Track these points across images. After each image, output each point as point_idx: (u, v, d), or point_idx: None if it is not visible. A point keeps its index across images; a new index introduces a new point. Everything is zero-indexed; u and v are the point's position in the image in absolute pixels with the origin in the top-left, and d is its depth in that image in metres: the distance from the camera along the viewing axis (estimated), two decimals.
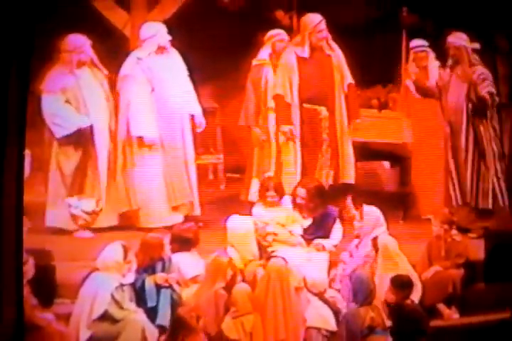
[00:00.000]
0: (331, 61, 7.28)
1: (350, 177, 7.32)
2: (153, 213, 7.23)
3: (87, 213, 7.16)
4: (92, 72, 7.22)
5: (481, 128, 7.27)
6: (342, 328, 6.45)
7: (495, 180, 7.24)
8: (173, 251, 6.70)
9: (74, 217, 7.17)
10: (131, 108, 7.21)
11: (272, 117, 7.34)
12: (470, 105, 7.23)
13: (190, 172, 7.29)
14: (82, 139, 7.16)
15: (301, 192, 6.92)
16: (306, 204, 6.88)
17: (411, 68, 7.38)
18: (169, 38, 7.15)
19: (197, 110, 7.25)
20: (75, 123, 7.12)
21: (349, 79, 7.31)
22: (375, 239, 6.70)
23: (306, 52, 7.26)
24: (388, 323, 6.45)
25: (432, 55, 7.32)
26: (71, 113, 7.11)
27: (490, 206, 7.22)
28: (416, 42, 7.32)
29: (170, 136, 7.25)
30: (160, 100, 7.21)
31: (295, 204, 6.94)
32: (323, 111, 7.29)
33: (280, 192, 6.98)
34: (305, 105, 7.27)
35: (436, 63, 7.35)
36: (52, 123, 7.11)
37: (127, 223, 7.22)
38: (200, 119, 7.26)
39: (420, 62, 7.35)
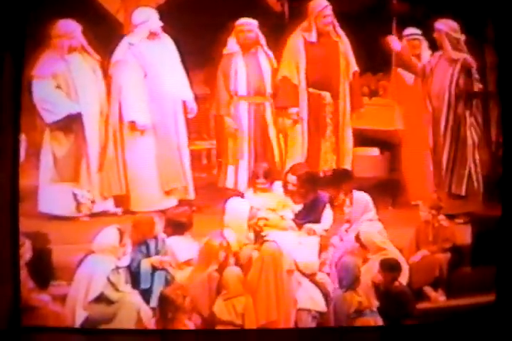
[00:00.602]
0: (337, 47, 7.33)
1: (349, 163, 7.41)
2: (146, 197, 7.29)
3: (91, 201, 7.25)
4: (83, 58, 7.25)
5: (462, 116, 7.31)
6: (330, 313, 6.58)
7: (472, 167, 7.29)
8: (168, 234, 6.79)
9: (79, 205, 7.22)
10: (123, 93, 7.25)
11: (244, 106, 7.38)
12: (452, 92, 7.29)
13: (183, 157, 7.35)
14: (73, 125, 7.20)
15: (292, 179, 7.00)
16: (298, 190, 6.97)
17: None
18: (161, 24, 7.16)
19: (188, 96, 7.30)
20: (64, 109, 7.16)
21: (354, 67, 7.37)
22: (357, 236, 6.81)
23: (313, 37, 7.29)
24: (376, 304, 6.59)
25: (424, 43, 7.37)
26: (61, 99, 7.15)
27: (463, 193, 7.28)
28: (409, 30, 7.36)
29: (162, 121, 7.31)
30: (152, 85, 7.25)
31: (286, 190, 7.03)
32: (328, 96, 7.35)
33: (270, 178, 7.06)
34: (310, 90, 7.33)
35: (429, 52, 7.40)
36: (42, 108, 7.12)
37: (120, 207, 7.28)
38: (192, 105, 7.30)
39: (413, 50, 7.39)
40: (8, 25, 6.53)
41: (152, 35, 7.24)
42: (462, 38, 7.21)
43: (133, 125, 7.28)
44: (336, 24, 7.29)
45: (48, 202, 7.16)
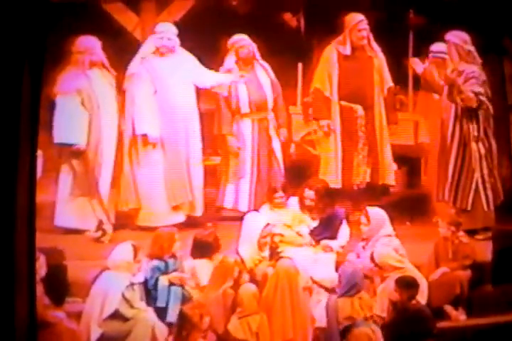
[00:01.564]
0: (372, 62, 7.29)
1: (390, 179, 7.33)
2: (155, 212, 7.28)
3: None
4: (101, 73, 7.28)
5: (468, 128, 7.20)
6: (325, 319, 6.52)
7: (479, 181, 7.16)
8: (194, 257, 6.74)
9: (103, 234, 7.22)
10: (136, 106, 7.27)
11: (247, 124, 7.37)
12: (458, 104, 7.19)
13: (192, 173, 7.32)
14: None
15: (310, 194, 6.94)
16: (315, 205, 6.92)
17: (431, 70, 7.32)
18: (173, 39, 7.16)
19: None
20: (73, 137, 7.16)
21: (389, 82, 7.33)
22: (372, 256, 6.71)
23: (347, 50, 7.26)
24: (380, 314, 6.50)
25: (450, 61, 7.25)
26: (79, 125, 7.15)
27: (469, 207, 7.16)
28: (437, 46, 7.29)
29: (171, 135, 7.28)
30: (162, 101, 7.24)
31: (303, 206, 6.96)
32: (360, 109, 7.30)
33: (287, 193, 7.01)
34: (342, 102, 7.30)
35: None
36: (58, 125, 7.14)
37: (128, 222, 7.28)
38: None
39: (439, 67, 7.29)
40: (27, 41, 6.57)
41: (165, 49, 7.25)
42: (473, 49, 7.12)
43: (145, 138, 7.28)
44: (371, 38, 7.26)
45: (65, 217, 7.17)
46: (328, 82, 7.27)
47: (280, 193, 6.98)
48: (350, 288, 6.50)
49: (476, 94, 7.10)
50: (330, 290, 6.62)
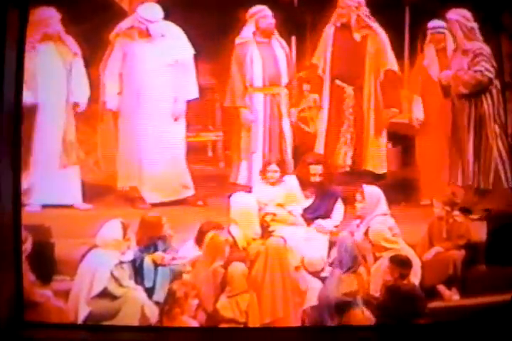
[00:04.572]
0: (365, 43, 7.17)
1: (377, 166, 7.21)
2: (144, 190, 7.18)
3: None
4: (55, 47, 7.05)
5: (482, 107, 7.13)
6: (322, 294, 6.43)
7: (498, 160, 7.12)
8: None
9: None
10: (106, 74, 7.15)
11: (259, 97, 7.24)
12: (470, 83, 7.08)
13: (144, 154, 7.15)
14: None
15: (317, 169, 6.82)
16: (321, 181, 6.78)
17: (429, 50, 7.23)
18: (145, 23, 7.00)
19: (180, 96, 7.13)
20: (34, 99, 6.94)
21: (389, 65, 7.18)
22: (366, 232, 6.65)
23: (343, 30, 7.13)
24: (374, 294, 6.43)
25: (449, 36, 7.18)
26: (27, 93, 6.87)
27: (490, 186, 7.10)
28: (434, 23, 7.17)
29: (132, 112, 7.13)
30: (129, 79, 7.11)
31: (308, 183, 6.80)
32: (349, 89, 7.21)
33: (282, 169, 6.89)
34: (336, 81, 7.20)
35: (454, 46, 7.21)
36: None
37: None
38: (180, 106, 7.11)
39: (438, 43, 7.21)
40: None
41: (140, 31, 7.10)
42: (475, 26, 7.01)
43: (104, 106, 7.14)
44: (369, 18, 7.14)
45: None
46: (322, 58, 7.18)
47: (274, 166, 6.85)
48: (353, 262, 6.42)
49: (486, 70, 7.01)
50: (313, 273, 6.54)
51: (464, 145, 7.17)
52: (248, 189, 6.99)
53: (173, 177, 7.20)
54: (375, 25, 7.17)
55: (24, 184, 6.74)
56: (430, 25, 7.20)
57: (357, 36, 7.20)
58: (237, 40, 7.17)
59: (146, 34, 7.15)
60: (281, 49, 7.23)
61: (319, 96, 7.25)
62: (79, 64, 7.09)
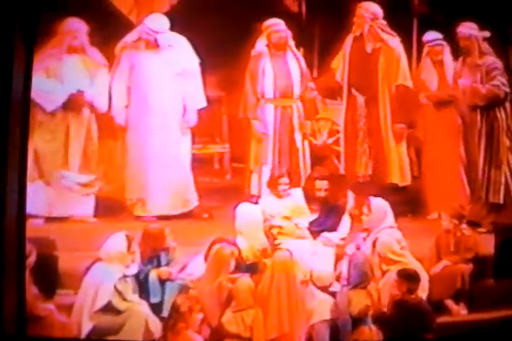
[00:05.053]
0: (378, 56, 7.16)
1: (398, 178, 7.19)
2: (149, 202, 7.19)
3: (81, 185, 7.11)
4: (81, 59, 7.11)
5: (495, 121, 7.10)
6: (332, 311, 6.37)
7: (508, 174, 7.08)
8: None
9: (69, 189, 7.09)
10: (112, 89, 7.17)
11: (270, 109, 7.23)
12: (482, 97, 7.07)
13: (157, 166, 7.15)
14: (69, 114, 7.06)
15: (323, 184, 6.78)
16: (325, 196, 6.75)
17: (425, 63, 7.23)
18: (152, 35, 7.00)
19: (190, 106, 7.14)
20: (62, 93, 7.00)
21: (401, 80, 7.17)
22: (374, 243, 6.59)
23: (361, 41, 7.14)
24: (382, 309, 6.36)
25: (447, 48, 7.17)
26: (55, 85, 6.99)
27: (501, 201, 7.08)
28: (430, 35, 7.16)
29: (141, 125, 7.17)
30: (137, 90, 7.14)
31: (314, 197, 6.77)
32: (360, 99, 7.19)
33: (292, 182, 6.86)
34: (353, 90, 7.20)
35: (451, 57, 7.20)
36: (40, 99, 6.96)
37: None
38: (190, 116, 7.13)
39: (435, 56, 7.20)
40: (20, 21, 6.39)
41: (147, 43, 7.11)
42: (486, 36, 6.99)
43: (113, 120, 7.17)
44: (382, 31, 7.13)
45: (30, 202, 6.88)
46: (342, 65, 7.20)
47: (286, 179, 6.81)
48: (362, 278, 6.36)
49: (502, 84, 7.00)
50: (322, 288, 6.48)
51: (474, 158, 7.14)
52: (254, 200, 6.96)
53: (179, 190, 7.18)
54: (390, 38, 7.16)
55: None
56: (426, 38, 7.19)
57: (369, 48, 7.20)
58: (253, 53, 7.20)
59: (154, 45, 7.16)
60: (295, 60, 7.24)
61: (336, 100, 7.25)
62: (104, 74, 7.12)
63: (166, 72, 7.15)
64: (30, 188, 6.83)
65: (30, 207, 6.77)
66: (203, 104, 7.18)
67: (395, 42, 7.17)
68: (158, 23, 7.11)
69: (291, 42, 7.21)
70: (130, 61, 7.15)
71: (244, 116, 7.24)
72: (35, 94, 6.82)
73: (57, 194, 7.14)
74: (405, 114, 7.28)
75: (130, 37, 7.16)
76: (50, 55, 7.05)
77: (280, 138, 7.23)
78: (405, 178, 7.27)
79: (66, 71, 7.09)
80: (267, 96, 7.23)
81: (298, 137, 7.25)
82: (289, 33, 7.18)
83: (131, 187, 7.18)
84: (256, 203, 6.86)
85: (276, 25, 7.15)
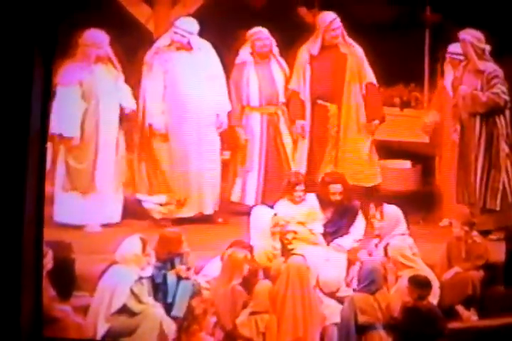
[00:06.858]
0: (345, 60, 7.18)
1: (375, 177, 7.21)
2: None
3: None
4: (107, 68, 7.20)
5: (494, 127, 7.11)
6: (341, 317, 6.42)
7: (506, 180, 7.09)
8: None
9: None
10: (145, 97, 7.21)
11: (256, 117, 7.29)
12: (482, 104, 7.08)
13: (196, 169, 7.21)
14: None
15: (337, 188, 6.82)
16: (342, 199, 6.80)
17: (448, 71, 7.26)
18: (187, 36, 7.08)
19: (220, 110, 7.22)
20: (68, 130, 7.04)
21: (369, 78, 7.19)
22: (385, 248, 6.64)
23: (316, 50, 7.16)
24: (393, 315, 6.40)
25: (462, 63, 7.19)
26: (76, 117, 7.05)
27: (497, 207, 7.08)
28: (454, 47, 7.19)
29: (179, 129, 7.20)
30: (172, 94, 7.17)
31: (329, 202, 6.81)
32: (333, 108, 7.21)
33: (308, 188, 6.89)
34: (319, 101, 7.21)
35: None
36: (55, 116, 6.98)
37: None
38: (222, 119, 7.22)
39: (454, 67, 7.22)
40: (38, 32, 6.51)
41: (180, 46, 7.18)
42: (487, 48, 7.03)
43: (151, 128, 7.22)
44: (345, 34, 7.15)
45: (62, 212, 7.08)
46: (302, 82, 7.19)
47: (302, 186, 6.83)
48: (369, 283, 6.41)
49: (502, 93, 7.02)
50: (328, 294, 6.54)
51: (471, 164, 7.13)
52: (243, 207, 7.04)
53: (208, 192, 7.25)
54: (353, 43, 7.18)
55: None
56: (451, 50, 7.22)
57: (335, 55, 7.20)
58: (237, 61, 7.23)
59: (187, 47, 7.21)
60: (279, 69, 7.27)
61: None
62: (123, 84, 7.21)
63: (198, 75, 7.20)
64: (64, 197, 7.05)
65: (65, 216, 7.00)
66: (230, 107, 7.27)
67: (354, 45, 7.20)
68: (190, 24, 7.17)
69: (276, 50, 7.24)
70: (163, 66, 7.21)
71: (228, 123, 7.26)
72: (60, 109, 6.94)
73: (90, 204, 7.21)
74: (377, 111, 7.27)
75: (161, 42, 7.23)
76: (79, 66, 7.12)
77: (267, 145, 7.26)
78: (372, 179, 7.25)
79: (99, 86, 7.14)
80: (253, 105, 7.28)
81: (288, 142, 7.29)
82: (273, 41, 7.20)
83: (175, 188, 7.22)
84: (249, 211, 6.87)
85: (258, 33, 7.17)
